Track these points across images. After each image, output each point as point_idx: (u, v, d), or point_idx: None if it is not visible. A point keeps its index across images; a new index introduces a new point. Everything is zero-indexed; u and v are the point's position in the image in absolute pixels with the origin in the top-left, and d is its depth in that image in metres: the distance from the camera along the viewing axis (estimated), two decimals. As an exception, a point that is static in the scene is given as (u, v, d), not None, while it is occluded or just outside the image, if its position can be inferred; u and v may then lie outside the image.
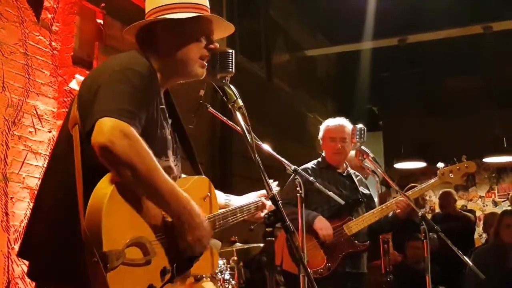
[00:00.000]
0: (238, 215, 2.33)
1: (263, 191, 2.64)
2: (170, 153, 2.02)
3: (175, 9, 2.00)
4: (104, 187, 1.69)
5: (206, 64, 2.06)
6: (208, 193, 2.15)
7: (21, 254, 1.95)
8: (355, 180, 4.06)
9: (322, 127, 4.14)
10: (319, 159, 4.10)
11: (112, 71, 1.84)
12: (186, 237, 1.85)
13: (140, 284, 1.73)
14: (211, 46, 2.06)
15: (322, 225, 3.75)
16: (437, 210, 8.33)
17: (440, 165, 3.92)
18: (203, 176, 2.17)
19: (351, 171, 4.12)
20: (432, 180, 3.95)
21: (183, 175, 2.16)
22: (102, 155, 1.66)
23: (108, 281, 1.61)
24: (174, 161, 2.06)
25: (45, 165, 1.97)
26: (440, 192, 7.57)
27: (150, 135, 1.85)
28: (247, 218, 2.49)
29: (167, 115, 2.05)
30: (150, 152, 1.74)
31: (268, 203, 2.58)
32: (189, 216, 1.84)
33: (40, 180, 2.02)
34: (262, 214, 2.55)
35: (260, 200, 2.57)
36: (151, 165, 1.73)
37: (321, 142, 4.14)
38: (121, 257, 1.65)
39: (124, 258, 1.66)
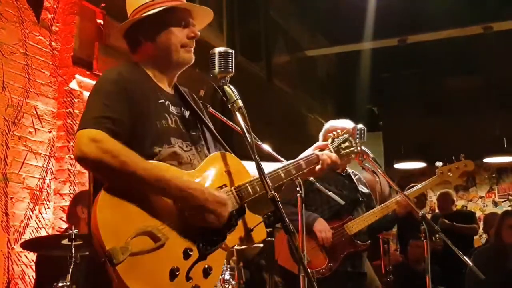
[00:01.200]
0: (282, 175, 2.22)
1: (319, 143, 2.56)
2: (174, 140, 2.06)
3: (154, 6, 2.09)
4: (99, 196, 1.81)
5: (192, 49, 2.15)
6: (228, 167, 2.12)
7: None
8: (354, 179, 4.06)
9: (325, 128, 4.12)
10: (319, 160, 4.09)
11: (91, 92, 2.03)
12: (199, 212, 1.90)
13: (160, 269, 1.80)
14: (191, 34, 2.14)
15: (322, 228, 3.74)
16: (437, 210, 8.32)
17: (439, 163, 3.93)
18: (219, 152, 2.17)
19: (350, 170, 4.11)
20: (431, 179, 3.98)
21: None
22: (81, 166, 1.85)
23: (120, 275, 1.70)
24: (187, 147, 2.10)
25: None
26: (438, 193, 7.56)
27: (143, 127, 1.97)
28: (302, 176, 2.38)
29: (178, 107, 2.16)
30: (123, 146, 1.83)
31: (322, 154, 2.41)
32: (187, 190, 1.89)
33: None
34: (318, 167, 2.38)
35: (313, 153, 2.41)
36: (125, 157, 1.81)
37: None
38: (127, 250, 1.72)
39: (130, 249, 1.73)
